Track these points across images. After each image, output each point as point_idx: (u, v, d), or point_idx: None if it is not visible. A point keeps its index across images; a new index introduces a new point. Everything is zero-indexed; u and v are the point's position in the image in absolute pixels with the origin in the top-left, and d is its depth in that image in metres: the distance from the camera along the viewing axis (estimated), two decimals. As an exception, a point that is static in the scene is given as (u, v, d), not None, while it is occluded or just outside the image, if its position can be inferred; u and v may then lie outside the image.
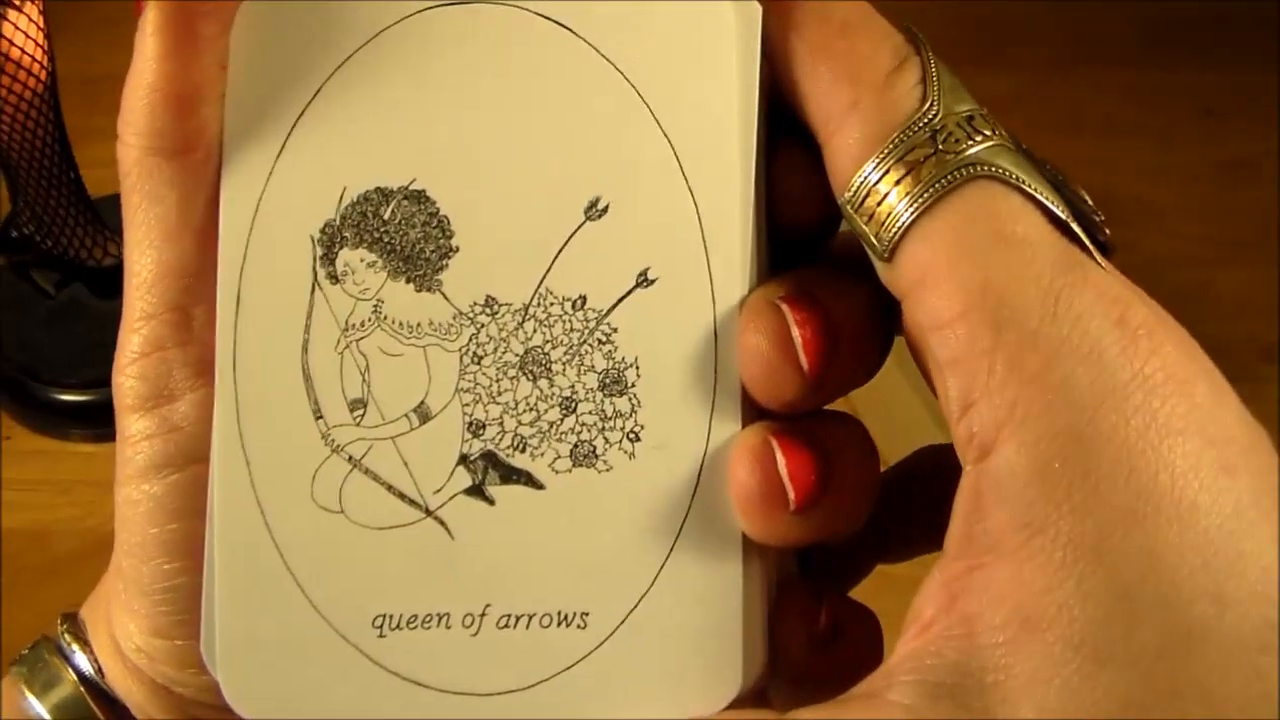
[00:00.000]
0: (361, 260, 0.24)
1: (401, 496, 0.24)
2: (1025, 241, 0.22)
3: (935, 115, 0.23)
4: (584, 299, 0.24)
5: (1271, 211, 0.79)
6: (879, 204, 0.23)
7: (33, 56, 0.63)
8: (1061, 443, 0.21)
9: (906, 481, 0.28)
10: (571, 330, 0.24)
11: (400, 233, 0.24)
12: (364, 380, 0.24)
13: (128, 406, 0.26)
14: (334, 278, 0.25)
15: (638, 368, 0.24)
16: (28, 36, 0.62)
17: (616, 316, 0.24)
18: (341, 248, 0.25)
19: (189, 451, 0.26)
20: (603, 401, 0.24)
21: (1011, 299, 0.21)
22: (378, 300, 0.24)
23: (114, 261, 0.72)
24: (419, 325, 0.24)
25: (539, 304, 0.24)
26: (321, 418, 0.25)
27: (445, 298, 0.24)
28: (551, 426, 0.24)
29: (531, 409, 0.24)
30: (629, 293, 0.24)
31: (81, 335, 0.71)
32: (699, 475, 0.24)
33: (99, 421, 0.68)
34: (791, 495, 0.23)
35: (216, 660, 0.25)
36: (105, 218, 0.72)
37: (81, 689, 0.28)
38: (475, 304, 0.24)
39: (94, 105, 0.82)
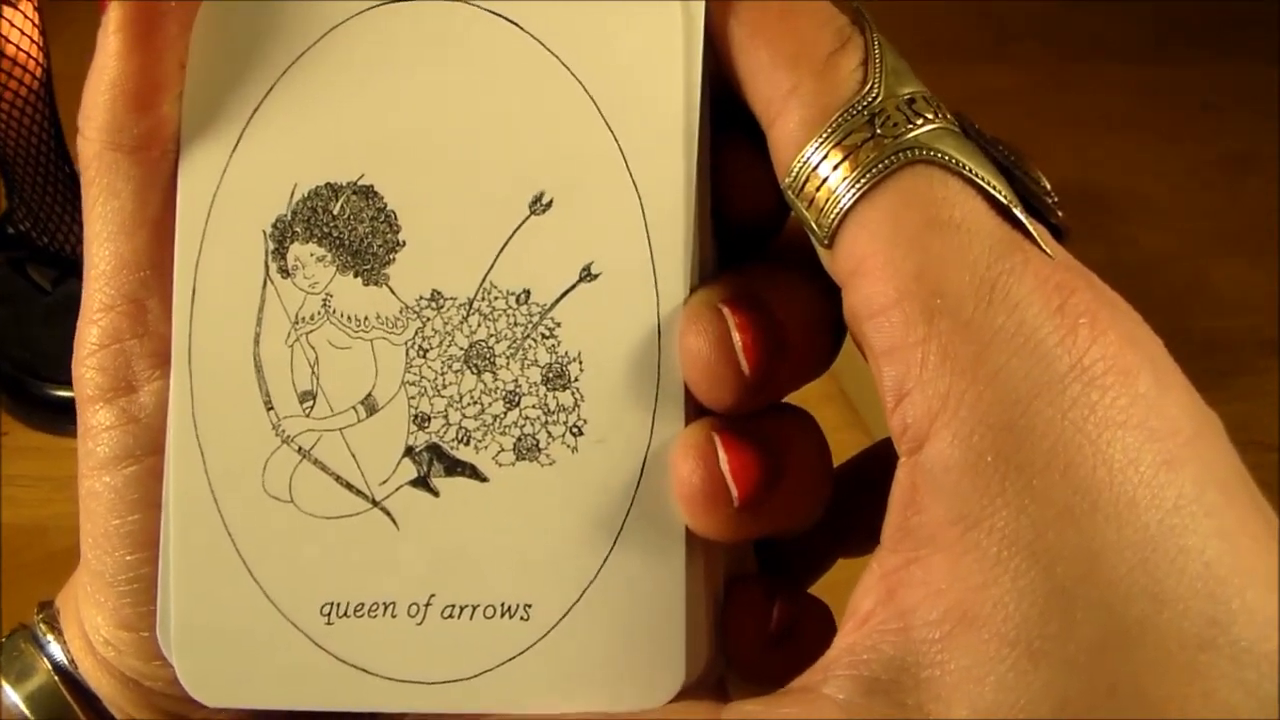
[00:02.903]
0: (311, 254, 0.25)
1: (349, 487, 0.25)
2: (962, 227, 0.21)
3: (875, 98, 0.22)
4: (528, 293, 0.24)
5: (1271, 205, 0.79)
6: (818, 189, 0.22)
7: (28, 53, 0.63)
8: (995, 435, 0.20)
9: (865, 472, 0.28)
10: (515, 324, 0.24)
11: (349, 227, 0.25)
12: (313, 373, 0.25)
13: (88, 398, 0.26)
14: (285, 271, 0.25)
15: (581, 362, 0.24)
16: (23, 34, 0.62)
17: (560, 311, 0.24)
18: (292, 242, 0.25)
19: (148, 443, 0.26)
20: (546, 396, 0.24)
21: (945, 287, 0.21)
22: (327, 294, 0.25)
23: (111, 258, 0.72)
24: (366, 319, 0.25)
25: (483, 298, 0.24)
26: (273, 409, 0.25)
27: (392, 292, 0.25)
28: (495, 420, 0.24)
29: (475, 402, 0.25)
30: (572, 287, 0.24)
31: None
32: (642, 470, 0.24)
33: (96, 418, 0.68)
34: (734, 492, 0.23)
35: (172, 646, 0.25)
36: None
37: (55, 678, 0.28)
38: (421, 298, 0.25)
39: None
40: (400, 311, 0.25)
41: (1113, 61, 0.90)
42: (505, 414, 0.24)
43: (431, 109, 0.25)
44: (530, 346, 0.24)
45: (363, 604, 0.25)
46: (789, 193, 0.23)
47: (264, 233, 0.25)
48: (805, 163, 0.22)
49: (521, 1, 0.24)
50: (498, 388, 0.24)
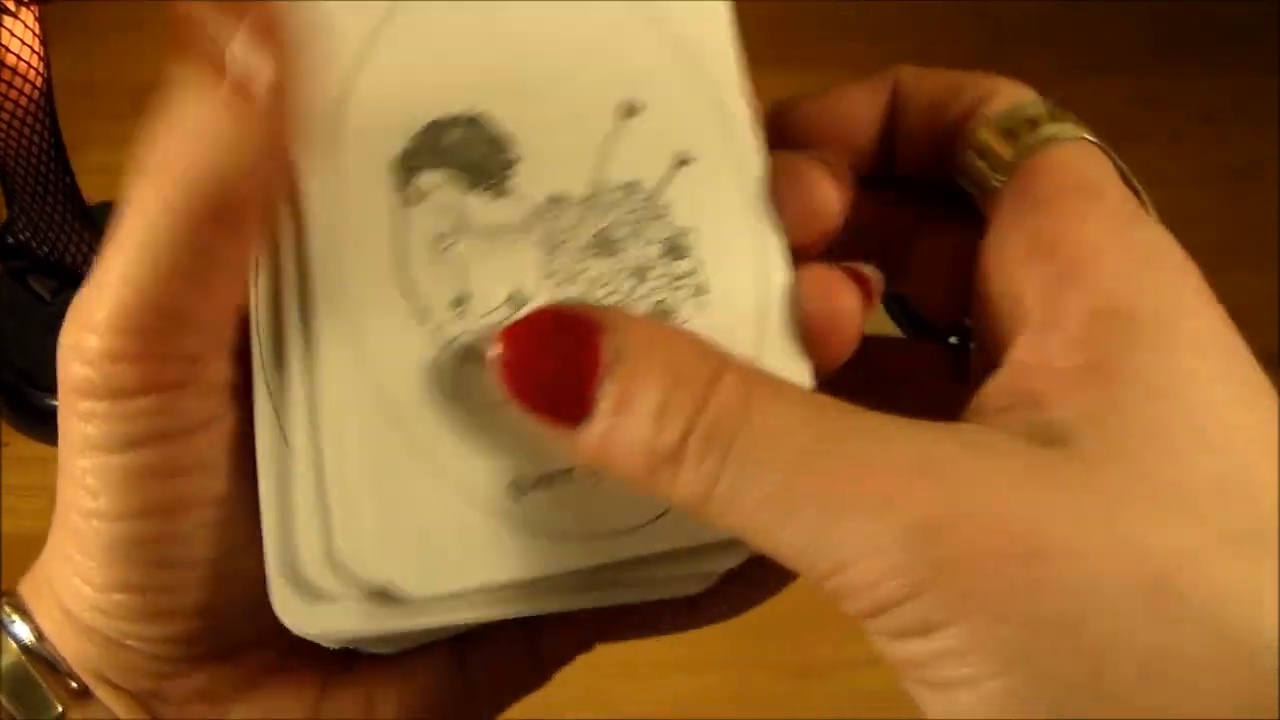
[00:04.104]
0: (438, 180, 0.27)
1: None
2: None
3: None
4: (635, 184, 0.27)
5: (1273, 217, 0.79)
6: (1026, 128, 0.27)
7: (29, 63, 0.63)
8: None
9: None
10: (630, 211, 0.27)
11: (467, 153, 0.27)
12: (462, 279, 0.27)
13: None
14: (416, 198, 0.27)
15: (692, 233, 0.27)
16: (24, 43, 0.62)
17: (665, 194, 0.27)
18: (418, 172, 0.27)
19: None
20: (669, 266, 0.27)
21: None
22: (459, 212, 0.27)
23: (111, 268, 0.72)
24: (500, 227, 0.27)
25: (597, 194, 0.27)
26: (428, 319, 0.26)
27: (517, 201, 0.27)
28: (630, 293, 0.27)
29: (609, 282, 0.27)
30: (671, 172, 0.27)
31: (78, 342, 0.71)
32: (764, 315, 0.27)
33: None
34: (856, 318, 0.27)
35: (369, 557, 0.25)
36: (101, 224, 0.72)
37: (23, 657, 0.27)
38: (544, 202, 0.27)
39: (90, 111, 0.82)
40: (528, 216, 0.27)
41: (1115, 72, 0.90)
42: (636, 287, 0.27)
43: (520, 38, 0.27)
44: (646, 227, 0.27)
45: (543, 475, 0.26)
46: (985, 130, 0.27)
47: (389, 167, 0.27)
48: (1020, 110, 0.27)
49: None
50: (626, 266, 0.27)
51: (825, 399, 0.23)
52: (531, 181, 0.27)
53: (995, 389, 0.24)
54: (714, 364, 0.23)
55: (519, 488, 0.26)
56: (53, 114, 0.66)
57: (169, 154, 0.23)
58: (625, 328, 0.24)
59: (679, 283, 0.27)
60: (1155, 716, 0.21)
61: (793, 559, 0.22)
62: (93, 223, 0.71)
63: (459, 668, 0.29)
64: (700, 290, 0.27)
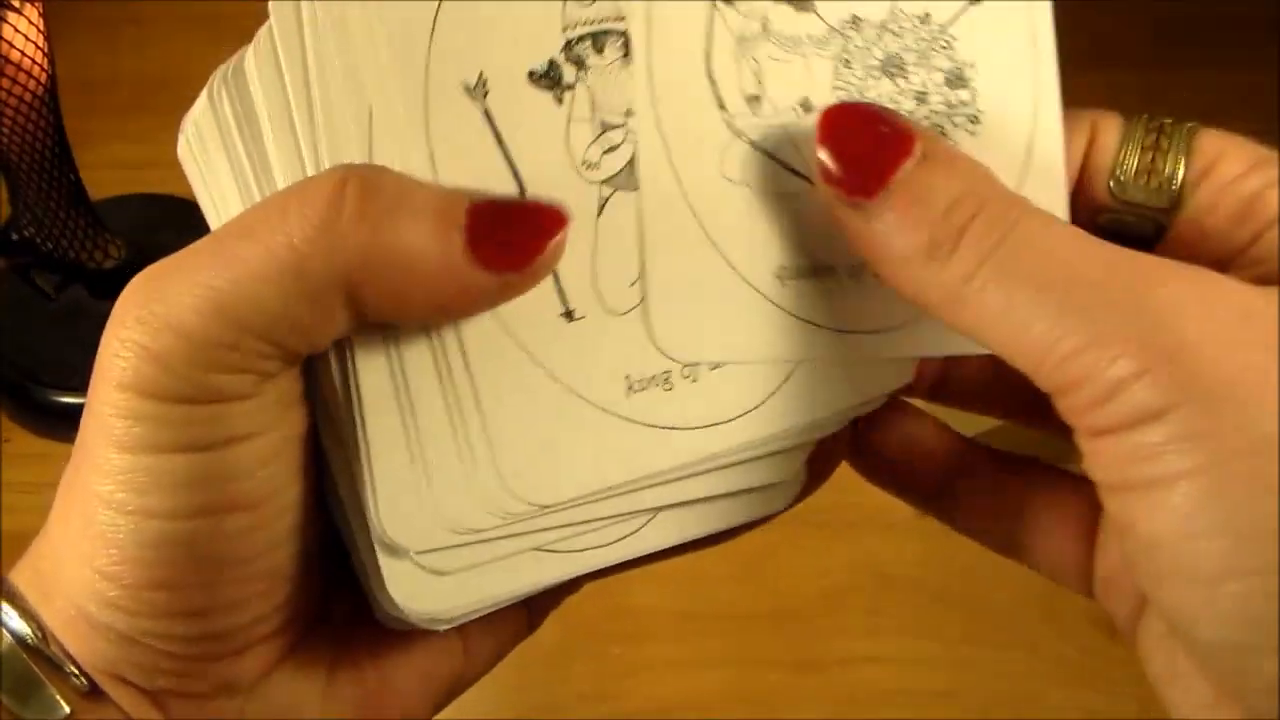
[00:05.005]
0: None
1: (793, 171, 0.29)
2: None
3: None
4: (928, 15, 0.29)
5: (1273, 213, 0.79)
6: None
7: (32, 59, 0.63)
8: None
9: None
10: (920, 39, 0.29)
11: None
12: (758, 80, 0.29)
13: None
14: (728, 1, 0.29)
15: (974, 66, 0.29)
16: (28, 39, 0.62)
17: (954, 28, 0.29)
18: None
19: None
20: (948, 93, 0.29)
21: None
22: (765, 18, 0.29)
23: (114, 264, 0.72)
24: (799, 38, 0.29)
25: (893, 20, 0.29)
26: (725, 109, 0.29)
27: (819, 16, 0.29)
28: (909, 114, 0.29)
29: (892, 101, 0.29)
30: (963, 9, 0.30)
31: (82, 338, 0.71)
32: (1031, 151, 0.29)
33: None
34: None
35: (650, 312, 0.28)
36: (105, 220, 0.72)
37: (18, 648, 0.26)
38: (843, 21, 0.29)
39: (93, 108, 0.82)
40: (827, 32, 0.29)
41: (1114, 67, 0.90)
42: (916, 109, 0.29)
43: None
44: (933, 55, 0.29)
45: (809, 266, 0.29)
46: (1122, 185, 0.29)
47: None
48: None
49: None
50: (909, 89, 0.29)
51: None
52: (834, 1, 0.29)
53: None
54: (1000, 184, 0.26)
55: (785, 273, 0.29)
56: (57, 110, 0.66)
57: (379, 250, 0.24)
58: (935, 138, 0.27)
59: (954, 110, 0.29)
60: None
61: (1032, 345, 0.24)
62: (97, 219, 0.71)
63: (459, 627, 0.29)
64: (974, 120, 0.29)
